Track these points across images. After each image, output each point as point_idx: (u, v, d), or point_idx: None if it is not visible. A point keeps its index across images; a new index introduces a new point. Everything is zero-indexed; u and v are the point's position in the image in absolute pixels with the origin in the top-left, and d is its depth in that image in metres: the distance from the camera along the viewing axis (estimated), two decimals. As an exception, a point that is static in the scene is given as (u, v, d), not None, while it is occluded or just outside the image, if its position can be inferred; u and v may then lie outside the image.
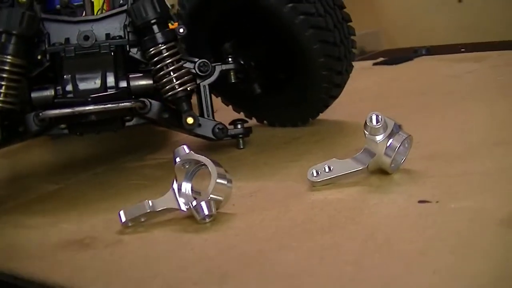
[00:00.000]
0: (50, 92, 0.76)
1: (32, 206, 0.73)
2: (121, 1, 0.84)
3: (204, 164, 0.56)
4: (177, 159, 0.57)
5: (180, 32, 0.76)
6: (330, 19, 0.79)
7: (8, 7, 0.75)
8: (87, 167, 0.86)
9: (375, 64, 1.37)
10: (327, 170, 0.60)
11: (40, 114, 0.74)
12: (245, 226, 0.54)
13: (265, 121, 0.91)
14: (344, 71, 0.83)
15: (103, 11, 1.15)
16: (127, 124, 0.78)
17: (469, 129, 0.76)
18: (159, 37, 0.75)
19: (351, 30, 0.83)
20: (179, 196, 0.57)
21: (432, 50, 1.47)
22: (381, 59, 1.43)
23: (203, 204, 0.54)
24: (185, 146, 0.57)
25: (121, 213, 0.57)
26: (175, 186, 0.57)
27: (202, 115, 0.79)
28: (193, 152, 0.57)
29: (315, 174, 0.60)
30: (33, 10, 0.75)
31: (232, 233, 0.53)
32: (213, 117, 0.79)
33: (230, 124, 0.81)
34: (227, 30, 0.86)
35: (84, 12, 1.40)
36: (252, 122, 0.91)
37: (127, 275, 0.49)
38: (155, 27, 0.75)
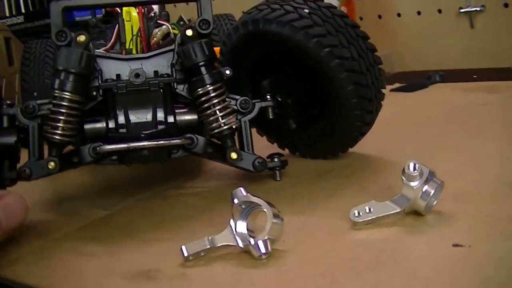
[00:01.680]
0: (102, 125, 0.83)
1: (87, 233, 0.78)
2: (154, 38, 0.90)
3: (259, 205, 0.63)
4: (235, 200, 0.63)
5: (227, 74, 0.83)
6: (363, 63, 0.85)
7: (66, 46, 0.81)
8: (130, 193, 0.91)
9: (392, 90, 1.43)
10: (367, 211, 0.66)
11: (98, 148, 0.80)
12: (298, 262, 0.60)
13: (297, 153, 0.97)
14: (374, 110, 0.89)
15: (138, 39, 1.21)
16: (173, 156, 0.84)
17: (489, 166, 0.83)
18: (207, 78, 0.81)
19: (381, 72, 0.89)
20: (236, 233, 0.63)
21: (446, 76, 1.54)
22: (397, 84, 1.50)
23: (260, 243, 0.60)
24: (242, 189, 0.64)
25: (183, 248, 0.63)
26: (232, 223, 0.63)
27: (242, 149, 0.85)
28: (250, 195, 0.63)
29: (356, 214, 0.66)
30: (89, 49, 0.81)
31: (287, 269, 0.59)
32: (253, 151, 0.85)
33: (267, 157, 0.87)
34: (266, 68, 0.91)
35: (114, 34, 1.45)
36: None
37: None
38: (203, 69, 0.81)
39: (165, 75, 0.84)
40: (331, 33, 0.83)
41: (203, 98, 0.82)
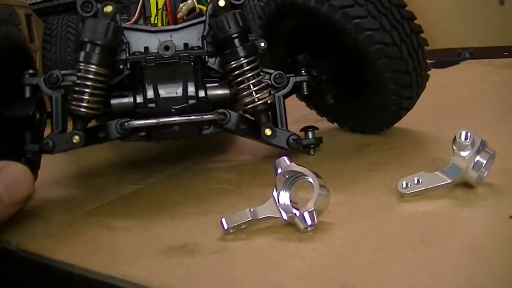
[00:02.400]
0: (129, 100, 0.80)
1: (116, 207, 0.76)
2: (179, 13, 0.87)
3: (304, 175, 0.59)
4: (279, 170, 0.60)
5: (261, 46, 0.79)
6: (405, 48, 0.79)
7: (92, 17, 0.77)
8: (160, 167, 0.89)
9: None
10: (416, 182, 0.63)
11: (126, 123, 0.77)
12: (347, 235, 0.57)
13: (345, 127, 0.94)
14: (414, 96, 0.85)
15: (164, 13, 1.19)
16: (204, 132, 0.81)
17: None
18: (240, 51, 0.78)
19: (425, 55, 0.84)
20: (279, 205, 0.60)
21: (475, 53, 1.50)
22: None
23: (306, 214, 0.57)
24: (286, 158, 0.60)
25: (223, 220, 0.60)
26: (275, 194, 0.60)
27: (276, 125, 0.82)
28: (294, 164, 0.60)
29: (404, 185, 0.63)
30: (116, 21, 0.78)
31: (337, 243, 0.56)
32: (287, 127, 0.82)
33: (301, 130, 0.84)
34: (302, 42, 0.88)
35: (138, 8, 1.42)
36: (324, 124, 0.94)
37: (244, 284, 0.51)
38: (236, 41, 0.78)
39: (196, 48, 0.81)
40: (372, 15, 0.78)
41: (236, 72, 0.78)
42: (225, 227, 0.60)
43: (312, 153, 0.84)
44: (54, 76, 0.79)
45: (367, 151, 0.83)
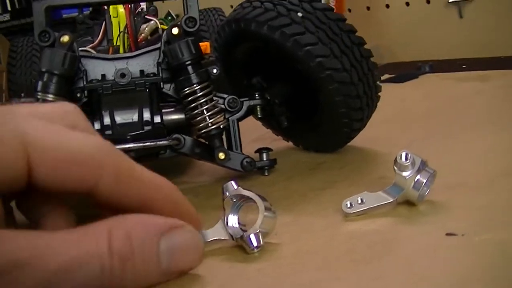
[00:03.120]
0: None
1: None
2: (142, 34, 0.89)
3: (250, 198, 0.62)
4: (226, 193, 0.63)
5: (214, 73, 0.82)
6: (355, 73, 0.82)
7: (49, 46, 0.80)
8: None
9: (382, 81, 1.43)
10: (359, 202, 0.66)
11: None
12: (292, 255, 0.59)
13: (300, 146, 0.98)
14: (365, 117, 0.88)
15: (124, 38, 1.21)
16: (160, 156, 0.84)
17: (485, 157, 0.82)
18: (193, 77, 0.80)
19: (376, 78, 0.87)
20: (227, 227, 0.62)
21: (435, 66, 1.54)
22: (386, 76, 1.49)
23: (252, 236, 0.60)
24: (233, 182, 0.63)
25: (174, 243, 0.62)
26: (223, 217, 0.63)
27: (230, 148, 0.85)
28: (241, 188, 0.62)
29: (348, 205, 0.66)
30: (73, 50, 0.80)
31: (282, 262, 0.58)
32: (241, 150, 0.85)
33: (256, 151, 0.87)
34: (256, 66, 0.91)
35: (101, 31, 1.45)
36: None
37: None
38: (189, 68, 0.80)
39: (151, 74, 0.83)
40: (323, 42, 0.81)
41: (190, 98, 0.81)
42: (176, 250, 0.62)
43: (266, 174, 0.87)
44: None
45: (320, 169, 0.86)
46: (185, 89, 0.81)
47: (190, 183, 0.91)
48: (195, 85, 0.80)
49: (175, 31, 0.81)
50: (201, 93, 0.81)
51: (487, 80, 1.29)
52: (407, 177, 0.64)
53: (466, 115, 1.05)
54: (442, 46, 1.63)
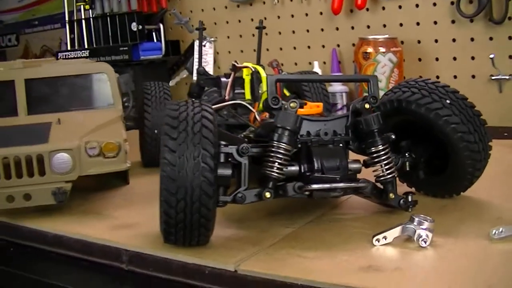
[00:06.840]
0: (295, 168, 1.08)
1: (292, 243, 1.04)
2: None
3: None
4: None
5: (392, 138, 1.14)
6: (476, 135, 1.17)
7: (279, 109, 1.09)
8: (300, 216, 1.18)
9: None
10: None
11: (307, 186, 1.04)
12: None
13: (421, 191, 1.31)
14: (482, 167, 1.23)
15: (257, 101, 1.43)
16: (347, 193, 1.14)
17: None
18: (379, 141, 1.13)
19: (488, 137, 1.21)
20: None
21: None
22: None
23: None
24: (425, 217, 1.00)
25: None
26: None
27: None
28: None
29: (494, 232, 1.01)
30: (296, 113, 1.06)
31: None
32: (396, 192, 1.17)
33: (403, 194, 1.18)
34: (404, 132, 1.24)
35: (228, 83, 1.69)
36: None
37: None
38: (377, 134, 1.13)
39: (343, 134, 1.15)
40: (455, 114, 1.16)
41: (374, 155, 1.13)
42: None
43: (410, 210, 1.18)
44: (245, 148, 1.03)
45: (446, 210, 1.21)
46: (372, 148, 1.13)
47: (349, 214, 1.24)
48: (380, 146, 1.13)
49: (367, 106, 1.13)
50: (383, 152, 1.13)
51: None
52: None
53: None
54: (484, 115, 1.95)
